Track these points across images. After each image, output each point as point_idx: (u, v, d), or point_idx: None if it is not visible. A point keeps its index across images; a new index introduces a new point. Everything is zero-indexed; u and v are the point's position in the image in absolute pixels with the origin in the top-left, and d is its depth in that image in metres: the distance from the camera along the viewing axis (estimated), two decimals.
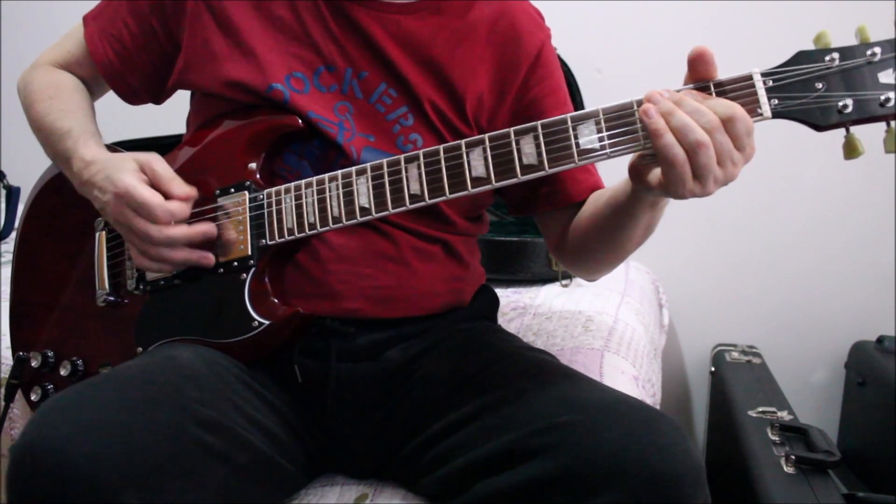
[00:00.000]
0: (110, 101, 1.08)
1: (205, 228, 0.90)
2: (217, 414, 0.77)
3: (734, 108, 0.71)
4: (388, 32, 0.92)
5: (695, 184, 0.72)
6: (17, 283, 1.09)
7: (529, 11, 1.02)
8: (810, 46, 0.74)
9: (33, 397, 1.03)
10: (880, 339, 1.70)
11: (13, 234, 1.82)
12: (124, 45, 1.00)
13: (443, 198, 0.81)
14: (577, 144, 0.76)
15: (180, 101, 1.07)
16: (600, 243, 0.95)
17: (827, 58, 0.72)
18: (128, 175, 0.88)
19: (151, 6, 0.97)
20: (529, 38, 0.98)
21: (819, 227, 1.84)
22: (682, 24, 1.84)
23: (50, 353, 1.02)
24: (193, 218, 0.92)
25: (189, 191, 0.90)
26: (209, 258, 0.90)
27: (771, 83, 0.73)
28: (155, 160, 0.91)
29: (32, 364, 1.02)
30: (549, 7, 1.08)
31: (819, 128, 0.74)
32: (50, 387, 1.02)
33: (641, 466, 0.70)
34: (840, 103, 0.72)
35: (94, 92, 1.06)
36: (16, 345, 1.07)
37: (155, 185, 0.89)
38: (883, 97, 0.71)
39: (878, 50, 0.71)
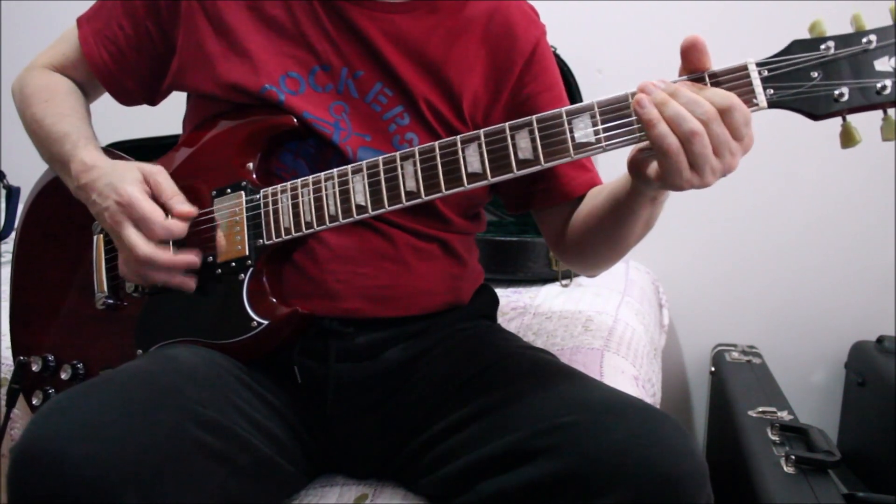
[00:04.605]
0: (107, 102, 1.07)
1: (189, 259, 0.89)
2: (217, 415, 0.77)
3: (731, 98, 0.71)
4: (383, 31, 0.92)
5: (692, 174, 0.72)
6: (17, 287, 1.08)
7: (524, 8, 1.02)
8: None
9: (34, 401, 1.03)
10: (880, 339, 1.70)
11: (13, 235, 1.81)
12: (119, 47, 0.99)
13: (439, 194, 0.81)
14: (573, 138, 0.76)
15: (178, 102, 1.07)
16: (600, 239, 0.95)
17: (822, 46, 0.72)
18: (132, 185, 0.88)
19: (146, 8, 0.97)
20: (524, 35, 0.98)
21: (819, 227, 1.84)
22: (682, 24, 1.84)
23: (50, 357, 1.02)
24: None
25: (189, 209, 0.90)
26: (189, 285, 0.90)
27: (766, 73, 0.73)
28: (160, 172, 0.91)
29: (33, 368, 1.02)
30: (549, 7, 1.07)
31: (815, 117, 0.73)
32: (51, 390, 1.01)
33: (645, 467, 0.70)
34: (836, 92, 0.71)
35: (89, 94, 1.06)
36: (17, 349, 1.07)
37: (156, 197, 0.89)
38: (879, 85, 0.70)
39: (873, 37, 0.70)
